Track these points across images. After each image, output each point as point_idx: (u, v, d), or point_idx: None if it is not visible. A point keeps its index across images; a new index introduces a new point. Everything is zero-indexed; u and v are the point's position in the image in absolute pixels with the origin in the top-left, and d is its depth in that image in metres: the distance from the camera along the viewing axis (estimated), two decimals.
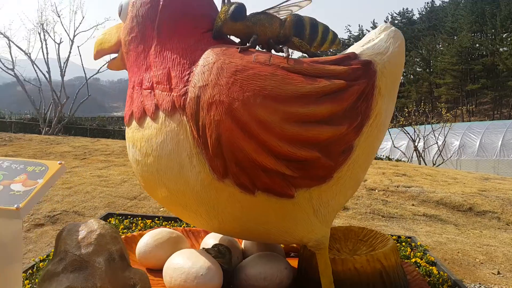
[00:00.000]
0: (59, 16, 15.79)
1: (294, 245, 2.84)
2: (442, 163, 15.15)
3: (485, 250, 3.60)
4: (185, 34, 2.12)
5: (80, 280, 1.47)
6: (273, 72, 1.86)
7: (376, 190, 5.52)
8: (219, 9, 2.15)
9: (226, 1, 2.09)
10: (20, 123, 11.97)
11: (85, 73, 14.69)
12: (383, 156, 16.29)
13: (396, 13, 66.91)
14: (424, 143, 16.03)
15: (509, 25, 51.45)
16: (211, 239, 2.60)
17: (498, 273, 3.11)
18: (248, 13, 2.12)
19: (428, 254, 2.98)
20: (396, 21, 66.39)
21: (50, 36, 15.40)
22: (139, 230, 3.23)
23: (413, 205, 5.01)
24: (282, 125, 1.79)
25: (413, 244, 3.26)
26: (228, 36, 2.25)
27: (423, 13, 68.44)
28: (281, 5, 2.19)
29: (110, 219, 3.50)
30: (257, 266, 2.25)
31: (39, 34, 14.98)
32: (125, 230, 3.25)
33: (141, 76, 2.16)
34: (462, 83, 53.52)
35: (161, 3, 2.15)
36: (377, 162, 8.97)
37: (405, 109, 17.16)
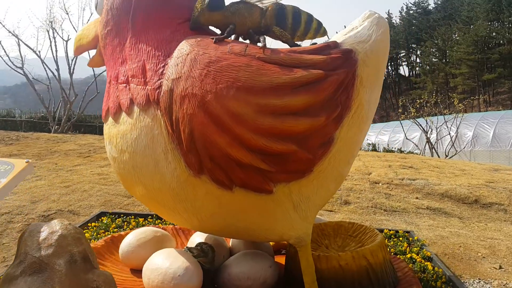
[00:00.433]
0: (67, 13, 15.82)
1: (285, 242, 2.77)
2: (455, 154, 14.84)
3: (488, 244, 3.47)
4: (161, 25, 2.05)
5: (38, 283, 1.42)
6: (248, 63, 1.78)
7: (380, 184, 5.40)
8: None
9: None
10: (31, 122, 12.12)
11: (93, 70, 14.78)
12: (395, 148, 16.06)
13: (411, 3, 65.49)
14: (436, 135, 15.72)
15: None
16: (198, 238, 2.54)
17: (500, 267, 2.99)
18: (227, 3, 2.05)
19: (424, 249, 2.87)
20: (411, 11, 65.07)
21: (58, 34, 15.53)
22: (131, 229, 3.19)
23: (417, 198, 4.88)
24: (256, 117, 1.72)
25: (410, 238, 3.15)
26: (210, 27, 2.18)
27: (439, 2, 66.98)
28: None
29: (102, 218, 3.48)
30: (240, 265, 2.19)
31: (48, 32, 15.09)
32: (115, 230, 3.22)
33: (117, 70, 2.10)
34: (478, 73, 52.35)
35: None
36: (385, 154, 8.81)
37: (417, 100, 16.81)
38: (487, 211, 4.54)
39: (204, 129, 1.75)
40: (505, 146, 18.00)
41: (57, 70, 14.25)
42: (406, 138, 17.46)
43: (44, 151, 6.99)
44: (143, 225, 3.30)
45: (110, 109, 2.09)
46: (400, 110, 18.07)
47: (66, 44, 15.03)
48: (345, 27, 2.10)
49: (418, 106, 16.14)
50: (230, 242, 2.61)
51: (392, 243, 3.09)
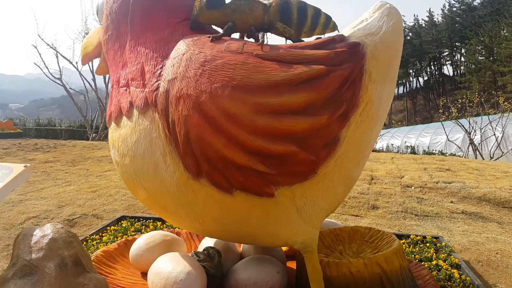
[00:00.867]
0: (101, 24, 16.41)
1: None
2: (501, 156, 14.01)
3: None
4: (159, 26, 2.03)
5: (28, 286, 1.41)
6: (244, 61, 1.71)
7: (413, 187, 5.14)
8: None
9: None
10: (70, 130, 12.67)
11: None
12: (436, 151, 15.39)
13: (454, 0, 62.94)
14: (480, 136, 14.92)
15: None
16: (208, 242, 2.49)
17: None
18: (228, 0, 1.99)
19: (452, 256, 2.66)
20: (455, 9, 62.45)
21: None
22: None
23: (451, 202, 4.59)
24: (252, 117, 1.64)
25: (438, 244, 2.94)
26: (213, 26, 2.13)
27: None
28: None
29: (122, 221, 3.51)
30: (246, 270, 2.11)
31: None
32: (133, 233, 3.22)
33: (118, 74, 2.09)
34: None
35: None
36: (422, 157, 8.43)
37: (459, 100, 16.04)
38: None
39: (200, 130, 1.69)
40: None
41: (93, 80, 14.76)
42: (448, 140, 16.70)
43: (78, 157, 7.22)
44: (161, 229, 3.29)
45: (112, 113, 2.09)
46: (441, 111, 17.26)
47: None
48: None
49: (459, 106, 15.39)
50: (241, 246, 2.53)
51: (417, 249, 2.89)
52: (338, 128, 1.71)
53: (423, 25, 59.97)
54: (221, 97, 1.66)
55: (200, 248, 2.48)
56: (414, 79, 61.60)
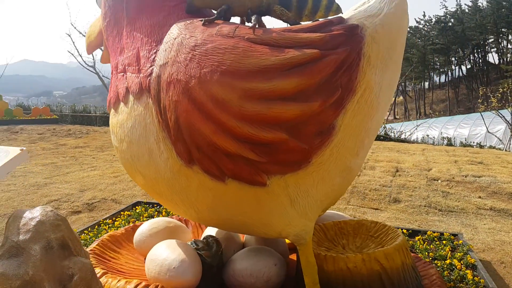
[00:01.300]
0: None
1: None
2: None
3: None
4: (154, 10, 2.00)
5: (13, 267, 1.44)
6: (234, 45, 1.65)
7: (439, 181, 4.92)
8: None
9: None
10: (104, 117, 13.04)
11: None
12: (474, 142, 14.71)
13: None
14: None
15: None
16: (211, 230, 2.47)
17: None
18: None
19: (469, 255, 2.52)
20: None
21: None
22: None
23: (479, 197, 4.36)
24: (240, 103, 1.59)
25: (455, 242, 2.79)
26: (212, 10, 2.08)
27: None
28: None
29: (137, 207, 3.56)
30: (244, 261, 2.08)
31: None
32: (146, 219, 3.26)
33: (117, 60, 2.09)
34: None
35: None
36: (455, 149, 8.07)
37: (500, 90, 15.19)
38: None
39: (189, 116, 1.66)
40: None
41: None
42: (488, 132, 15.90)
43: (107, 143, 7.41)
44: (173, 216, 3.31)
45: (111, 99, 2.09)
46: (480, 101, 16.42)
47: None
48: None
49: (500, 96, 14.58)
50: (244, 237, 2.50)
51: (432, 246, 2.76)
52: (333, 115, 1.63)
53: (466, 10, 56.97)
54: (209, 83, 1.61)
55: (202, 237, 2.46)
56: (457, 67, 58.86)
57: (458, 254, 2.56)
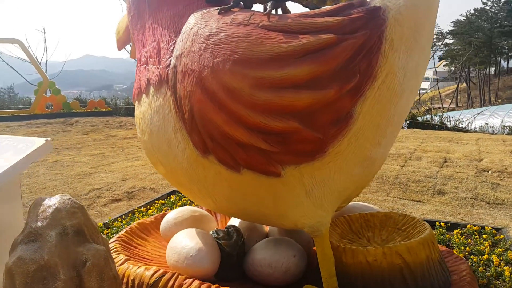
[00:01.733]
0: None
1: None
2: None
3: None
4: (174, 0, 2.00)
5: (30, 252, 1.51)
6: (248, 33, 1.62)
7: (490, 172, 4.60)
8: None
9: None
10: None
11: None
12: None
13: None
14: None
15: None
16: (234, 221, 2.47)
17: None
18: None
19: (510, 251, 2.33)
20: None
21: None
22: None
23: None
24: (252, 92, 1.56)
25: (496, 237, 2.59)
26: None
27: None
28: None
29: (171, 196, 3.64)
30: (262, 251, 2.06)
31: None
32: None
33: (140, 52, 2.13)
34: None
35: None
36: None
37: None
38: None
39: (202, 106, 1.67)
40: None
41: None
42: None
43: None
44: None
45: (134, 91, 2.15)
46: None
47: None
48: None
49: None
50: (268, 227, 2.48)
51: (470, 241, 2.58)
52: (350, 103, 1.55)
53: None
54: (222, 72, 1.60)
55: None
56: None
57: (499, 249, 2.38)
